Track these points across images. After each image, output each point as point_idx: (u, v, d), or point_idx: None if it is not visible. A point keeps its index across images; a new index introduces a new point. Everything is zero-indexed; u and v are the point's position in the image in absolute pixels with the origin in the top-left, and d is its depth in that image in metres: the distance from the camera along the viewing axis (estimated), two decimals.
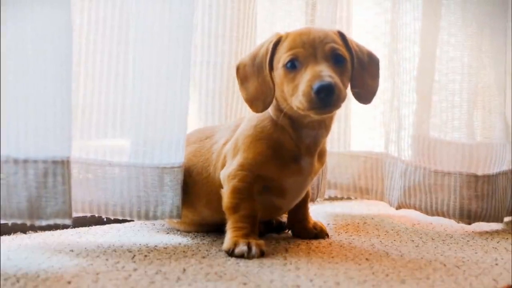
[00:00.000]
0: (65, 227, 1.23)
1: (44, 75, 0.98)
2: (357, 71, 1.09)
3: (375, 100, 1.56)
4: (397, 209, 1.47)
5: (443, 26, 1.42)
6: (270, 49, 1.08)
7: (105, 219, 1.20)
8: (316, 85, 0.98)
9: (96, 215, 1.15)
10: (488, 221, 1.38)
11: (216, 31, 1.34)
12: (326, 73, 1.00)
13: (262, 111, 1.09)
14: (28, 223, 0.98)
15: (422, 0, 1.43)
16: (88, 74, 1.14)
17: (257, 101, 1.09)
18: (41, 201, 0.98)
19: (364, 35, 1.61)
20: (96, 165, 1.13)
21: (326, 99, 0.98)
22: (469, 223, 1.38)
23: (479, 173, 1.38)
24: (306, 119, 1.08)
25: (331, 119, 1.12)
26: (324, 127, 1.11)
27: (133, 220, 1.27)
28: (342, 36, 1.10)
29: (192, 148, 1.20)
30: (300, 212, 1.23)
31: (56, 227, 1.22)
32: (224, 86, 1.36)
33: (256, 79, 1.09)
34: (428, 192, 1.41)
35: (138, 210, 1.14)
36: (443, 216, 1.40)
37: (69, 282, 0.86)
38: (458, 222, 1.40)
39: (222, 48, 1.35)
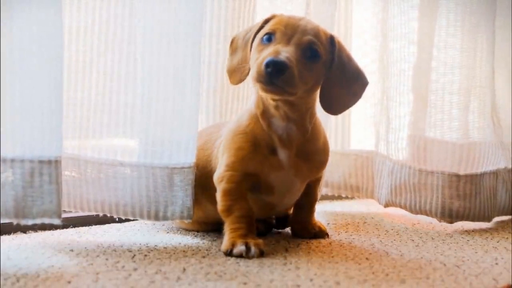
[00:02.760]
0: (65, 226, 1.23)
1: (32, 75, 0.97)
2: (333, 79, 1.08)
3: (369, 98, 1.57)
4: (385, 207, 1.47)
5: (439, 26, 1.42)
6: (260, 24, 1.10)
7: (117, 219, 1.20)
8: (268, 59, 0.98)
9: (108, 215, 1.15)
10: (472, 220, 1.38)
11: (210, 30, 1.33)
12: (284, 54, 1.00)
13: (237, 83, 1.12)
14: (15, 222, 0.97)
15: (419, 0, 1.43)
16: (100, 73, 1.14)
17: (236, 73, 1.12)
18: (27, 200, 0.97)
19: (362, 35, 1.61)
20: (108, 164, 1.13)
21: (273, 75, 0.98)
22: (451, 222, 1.38)
23: (461, 172, 1.38)
24: (271, 104, 1.07)
25: (299, 114, 1.09)
26: (292, 121, 1.09)
27: (133, 220, 1.27)
28: (331, 40, 1.09)
29: (203, 141, 1.21)
30: (302, 213, 1.22)
31: (56, 226, 1.22)
32: (218, 85, 1.35)
33: (241, 52, 1.11)
34: (413, 190, 1.41)
35: (148, 211, 1.14)
36: (426, 214, 1.40)
37: (69, 282, 0.86)
38: (440, 221, 1.40)
39: (216, 47, 1.34)
